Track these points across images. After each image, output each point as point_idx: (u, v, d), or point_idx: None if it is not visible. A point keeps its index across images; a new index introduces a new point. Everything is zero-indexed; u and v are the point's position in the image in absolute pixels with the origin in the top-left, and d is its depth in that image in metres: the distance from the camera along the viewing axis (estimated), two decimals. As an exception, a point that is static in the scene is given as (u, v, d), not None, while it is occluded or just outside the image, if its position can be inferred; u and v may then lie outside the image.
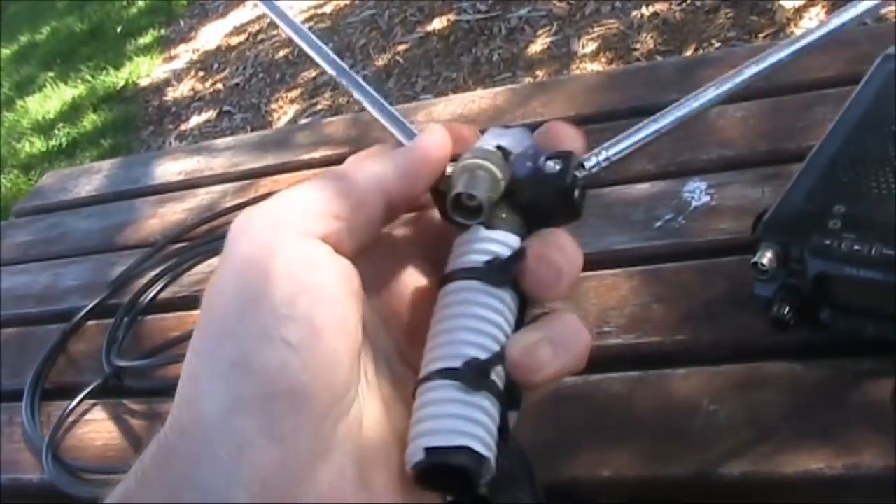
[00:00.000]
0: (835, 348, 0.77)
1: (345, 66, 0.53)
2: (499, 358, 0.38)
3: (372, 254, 0.42)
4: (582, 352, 0.40)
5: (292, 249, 0.38)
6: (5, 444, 1.04)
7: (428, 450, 0.36)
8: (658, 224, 0.95)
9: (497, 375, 0.38)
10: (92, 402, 1.05)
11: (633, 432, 0.77)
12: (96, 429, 1.02)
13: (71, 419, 1.03)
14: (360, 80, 0.52)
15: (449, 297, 0.40)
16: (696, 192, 0.97)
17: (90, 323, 1.18)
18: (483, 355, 0.38)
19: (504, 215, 0.41)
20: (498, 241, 0.40)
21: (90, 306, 1.18)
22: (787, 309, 0.75)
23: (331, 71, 0.53)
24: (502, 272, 0.39)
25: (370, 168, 0.41)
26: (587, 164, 0.42)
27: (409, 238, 0.45)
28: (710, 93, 0.44)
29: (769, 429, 0.73)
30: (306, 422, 0.36)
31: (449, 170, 0.42)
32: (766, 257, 0.74)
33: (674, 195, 0.98)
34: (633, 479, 0.75)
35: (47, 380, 1.11)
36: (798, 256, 0.74)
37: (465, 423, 0.37)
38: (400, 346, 0.43)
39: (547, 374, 0.39)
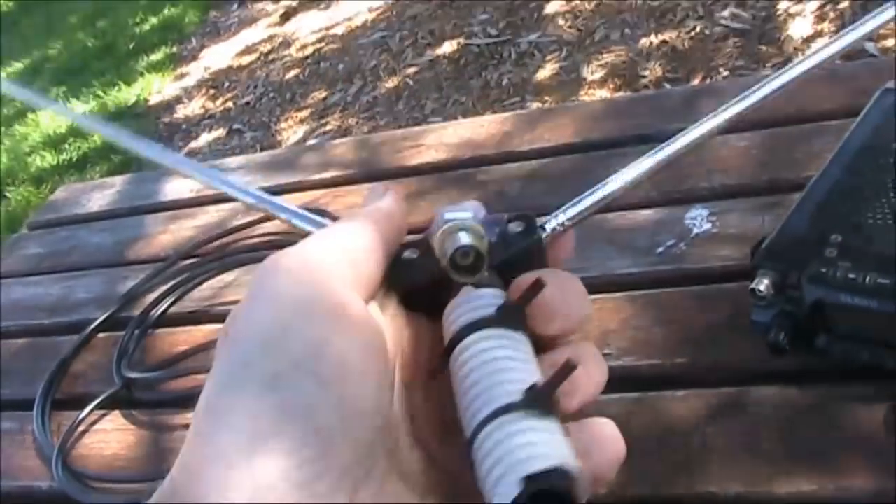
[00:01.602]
0: (830, 374, 0.78)
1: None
2: (561, 374, 0.36)
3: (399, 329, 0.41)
4: (615, 461, 0.38)
5: (329, 291, 0.37)
6: (16, 452, 1.06)
7: (527, 479, 0.33)
8: (660, 250, 0.97)
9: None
10: (102, 412, 1.07)
11: (630, 453, 0.78)
12: (105, 438, 1.04)
13: (81, 429, 1.05)
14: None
15: (472, 348, 0.38)
16: (698, 219, 0.99)
17: (101, 335, 1.20)
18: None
19: (487, 277, 0.41)
20: (495, 297, 0.40)
21: (101, 319, 1.20)
22: (784, 335, 0.76)
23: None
24: (517, 313, 0.39)
25: (374, 212, 0.42)
26: (547, 227, 0.43)
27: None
28: (648, 162, 0.46)
29: (764, 451, 0.74)
30: (331, 470, 0.33)
31: (408, 254, 0.42)
32: (763, 284, 0.76)
33: (676, 222, 1.00)
34: (630, 498, 0.76)
35: (58, 390, 1.13)
36: (795, 284, 0.75)
37: (552, 446, 0.34)
38: (418, 429, 0.40)
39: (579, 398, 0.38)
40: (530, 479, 0.33)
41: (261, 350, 0.35)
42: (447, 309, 0.41)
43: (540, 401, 0.35)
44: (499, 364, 0.37)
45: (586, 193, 0.45)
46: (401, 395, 0.40)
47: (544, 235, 0.43)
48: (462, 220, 0.40)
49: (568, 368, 0.36)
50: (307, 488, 0.32)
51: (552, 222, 0.44)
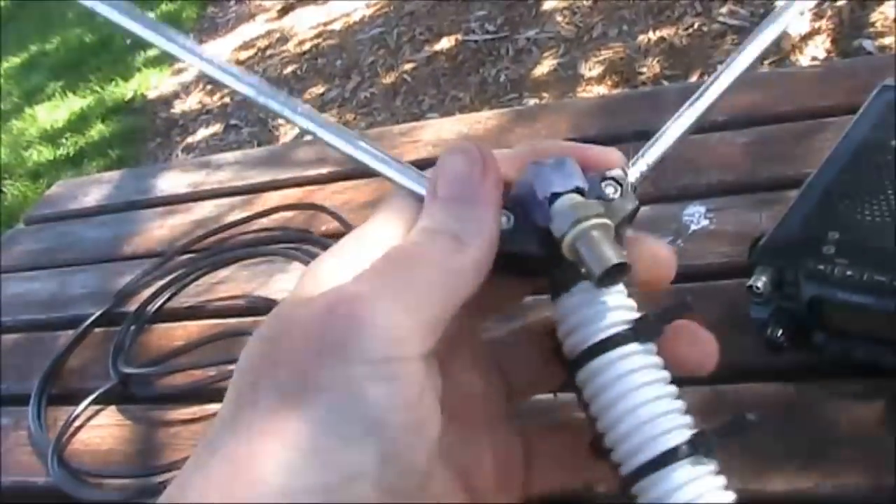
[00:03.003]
0: (827, 371, 0.78)
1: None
2: (731, 427, 0.37)
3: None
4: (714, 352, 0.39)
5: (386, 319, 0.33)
6: (12, 447, 1.05)
7: None
8: (658, 246, 0.97)
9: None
10: (98, 407, 1.06)
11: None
12: (101, 434, 1.03)
13: (77, 424, 1.05)
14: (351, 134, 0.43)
15: (614, 367, 0.37)
16: (696, 215, 0.99)
17: (97, 330, 1.20)
18: (688, 418, 0.37)
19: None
20: (617, 291, 0.38)
21: (98, 314, 1.20)
22: (781, 331, 0.76)
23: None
24: (659, 324, 0.38)
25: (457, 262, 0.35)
26: (632, 179, 0.40)
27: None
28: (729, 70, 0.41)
29: (760, 448, 0.74)
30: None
31: (504, 223, 0.38)
32: (761, 281, 0.76)
33: (673, 218, 1.00)
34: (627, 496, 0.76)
35: (54, 385, 1.12)
36: (793, 280, 0.75)
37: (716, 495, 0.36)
38: (470, 480, 0.38)
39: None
40: None
41: (315, 358, 0.32)
42: (562, 309, 0.38)
43: (704, 447, 0.36)
44: (651, 392, 0.36)
45: (658, 134, 0.41)
46: (447, 454, 0.37)
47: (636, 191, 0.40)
48: (587, 211, 0.36)
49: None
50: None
51: (634, 174, 0.40)
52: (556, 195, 0.37)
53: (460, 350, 0.39)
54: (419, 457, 0.32)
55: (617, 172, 0.39)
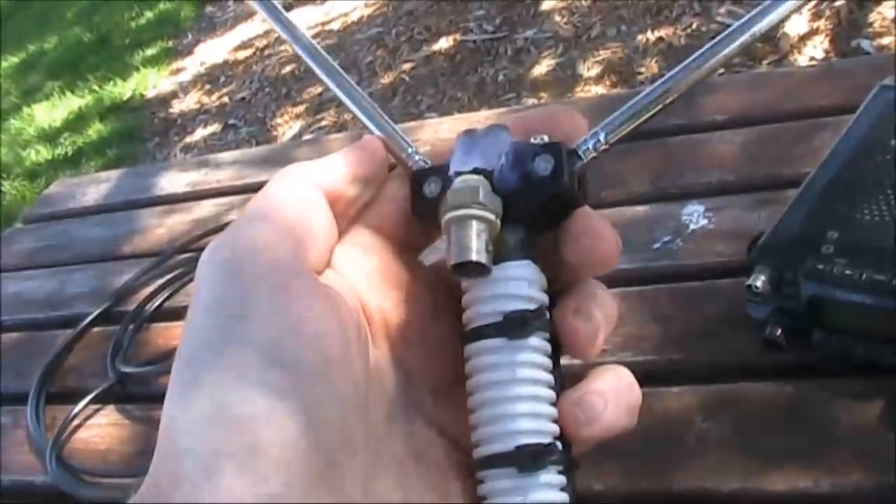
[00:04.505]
0: (826, 369, 0.78)
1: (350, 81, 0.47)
2: (551, 448, 0.36)
3: (378, 290, 0.38)
4: (634, 405, 0.38)
5: (270, 283, 0.34)
6: (10, 446, 1.05)
7: None
8: (656, 246, 0.97)
9: (556, 447, 0.36)
10: (96, 406, 1.06)
11: (626, 447, 0.78)
12: (100, 433, 1.03)
13: (75, 423, 1.05)
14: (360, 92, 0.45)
15: (479, 358, 0.37)
16: (695, 215, 0.99)
17: (95, 329, 1.20)
18: (535, 424, 0.36)
19: (507, 241, 0.37)
20: (513, 279, 0.37)
21: (96, 313, 1.20)
22: (780, 331, 0.77)
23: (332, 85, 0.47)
24: (524, 324, 0.36)
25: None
26: (581, 151, 0.38)
27: (412, 270, 0.40)
28: (707, 56, 0.39)
29: (759, 447, 0.74)
30: (297, 483, 0.31)
31: (430, 189, 0.39)
32: (760, 280, 0.76)
33: (672, 218, 1.00)
34: (626, 493, 0.76)
35: (52, 384, 1.13)
36: (791, 280, 0.75)
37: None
38: (418, 393, 0.39)
39: (599, 427, 0.37)
40: None
41: (208, 361, 0.33)
42: (464, 283, 0.38)
43: (536, 456, 0.35)
44: (503, 392, 0.36)
45: (623, 108, 0.38)
46: (394, 358, 0.38)
47: (578, 166, 0.37)
48: (469, 200, 0.36)
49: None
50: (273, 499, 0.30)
51: (589, 143, 0.38)
52: (457, 173, 0.38)
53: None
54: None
55: (553, 143, 0.37)
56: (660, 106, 0.37)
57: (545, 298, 0.37)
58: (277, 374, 0.32)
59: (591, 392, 0.37)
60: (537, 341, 0.37)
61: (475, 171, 0.37)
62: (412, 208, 0.39)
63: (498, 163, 0.37)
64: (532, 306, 0.37)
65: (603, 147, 0.37)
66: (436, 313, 0.39)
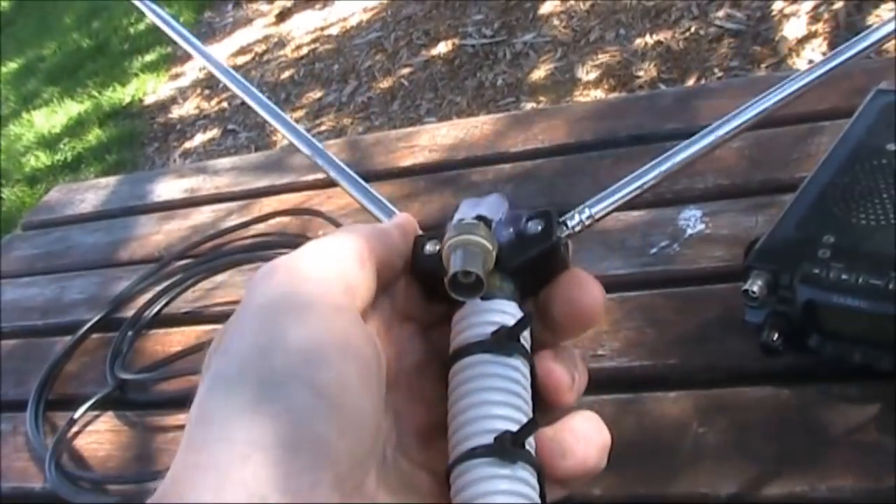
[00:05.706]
0: (822, 374, 0.78)
1: (318, 145, 0.52)
2: (528, 428, 0.37)
3: (382, 341, 0.40)
4: (604, 446, 0.39)
5: (322, 299, 0.37)
6: (9, 453, 1.05)
7: None
8: (653, 251, 0.97)
9: (530, 445, 0.37)
10: (95, 413, 1.07)
11: (624, 453, 0.78)
12: (99, 439, 1.04)
13: (74, 429, 1.05)
14: (335, 159, 0.50)
15: (463, 372, 0.39)
16: (692, 219, 0.99)
17: (94, 336, 1.20)
18: (512, 427, 0.37)
19: (497, 284, 0.40)
20: (498, 311, 0.40)
21: (95, 319, 1.20)
22: (777, 335, 0.77)
23: (306, 151, 0.52)
24: (510, 340, 0.39)
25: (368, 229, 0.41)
26: (570, 223, 0.42)
27: (401, 320, 0.43)
28: (697, 144, 0.46)
29: (756, 451, 0.74)
30: (325, 481, 0.32)
31: (430, 248, 0.42)
32: (756, 285, 0.76)
33: (669, 222, 1.00)
34: (623, 498, 0.76)
35: (52, 391, 1.13)
36: (788, 284, 0.76)
37: (513, 496, 0.36)
38: (401, 434, 0.40)
39: (573, 461, 0.38)
40: None
41: (254, 358, 0.34)
42: (455, 316, 0.41)
43: (511, 447, 0.36)
44: (483, 396, 0.38)
45: (612, 188, 0.43)
46: (386, 401, 0.39)
47: (564, 234, 0.42)
48: (469, 230, 0.40)
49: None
50: (299, 498, 0.31)
51: (576, 218, 0.42)
52: (460, 220, 0.41)
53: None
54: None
55: (545, 210, 0.42)
56: (642, 190, 0.44)
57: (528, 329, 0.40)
58: (322, 376, 0.34)
59: (565, 430, 0.39)
60: (519, 363, 0.39)
61: (479, 217, 0.41)
62: (411, 268, 0.42)
63: (496, 220, 0.41)
64: (518, 330, 0.39)
65: (588, 223, 0.43)
66: (423, 369, 0.42)
